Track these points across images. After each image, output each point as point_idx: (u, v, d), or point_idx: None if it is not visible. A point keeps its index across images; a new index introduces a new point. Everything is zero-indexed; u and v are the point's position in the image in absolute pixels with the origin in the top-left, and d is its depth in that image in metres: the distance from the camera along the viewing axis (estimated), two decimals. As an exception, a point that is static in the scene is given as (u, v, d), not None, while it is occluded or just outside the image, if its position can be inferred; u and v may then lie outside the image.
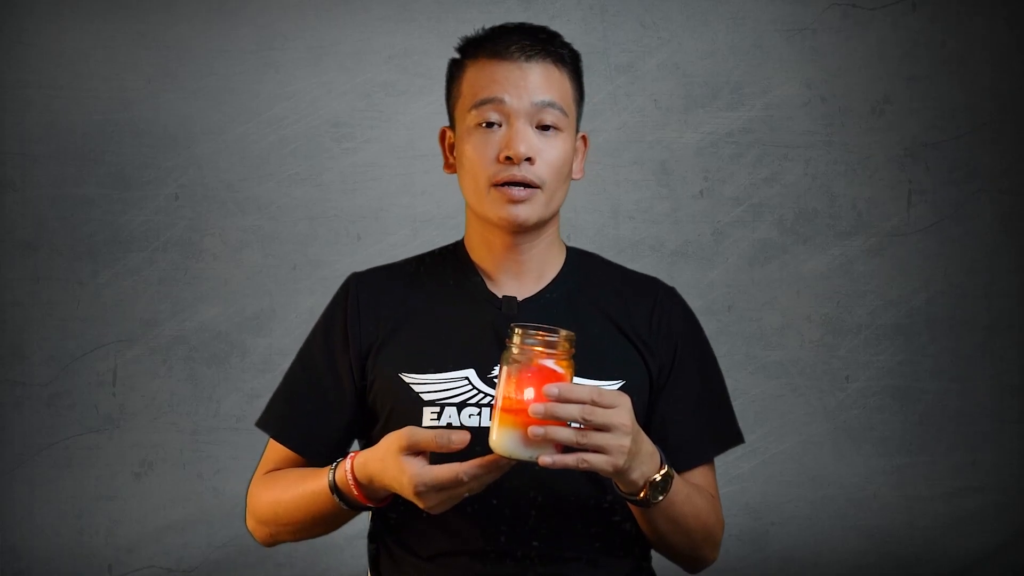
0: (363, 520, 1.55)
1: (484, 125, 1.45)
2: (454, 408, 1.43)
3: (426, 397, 1.44)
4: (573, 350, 1.25)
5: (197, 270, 2.70)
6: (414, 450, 1.27)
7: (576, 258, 1.57)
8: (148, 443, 2.69)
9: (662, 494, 1.33)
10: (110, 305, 2.68)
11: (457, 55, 1.52)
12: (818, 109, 2.81)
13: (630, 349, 1.50)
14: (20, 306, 2.66)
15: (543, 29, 1.50)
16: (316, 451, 1.49)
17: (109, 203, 2.67)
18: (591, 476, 1.40)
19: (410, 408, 1.44)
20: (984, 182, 2.84)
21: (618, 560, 1.48)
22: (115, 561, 2.67)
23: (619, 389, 1.38)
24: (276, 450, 1.52)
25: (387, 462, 1.29)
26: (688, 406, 1.51)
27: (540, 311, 1.48)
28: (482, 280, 1.52)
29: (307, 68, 2.72)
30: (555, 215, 1.51)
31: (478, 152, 1.45)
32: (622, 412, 1.23)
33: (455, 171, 1.52)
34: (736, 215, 2.81)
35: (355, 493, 1.35)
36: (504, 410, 1.23)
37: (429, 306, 1.51)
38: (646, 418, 1.49)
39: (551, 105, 1.45)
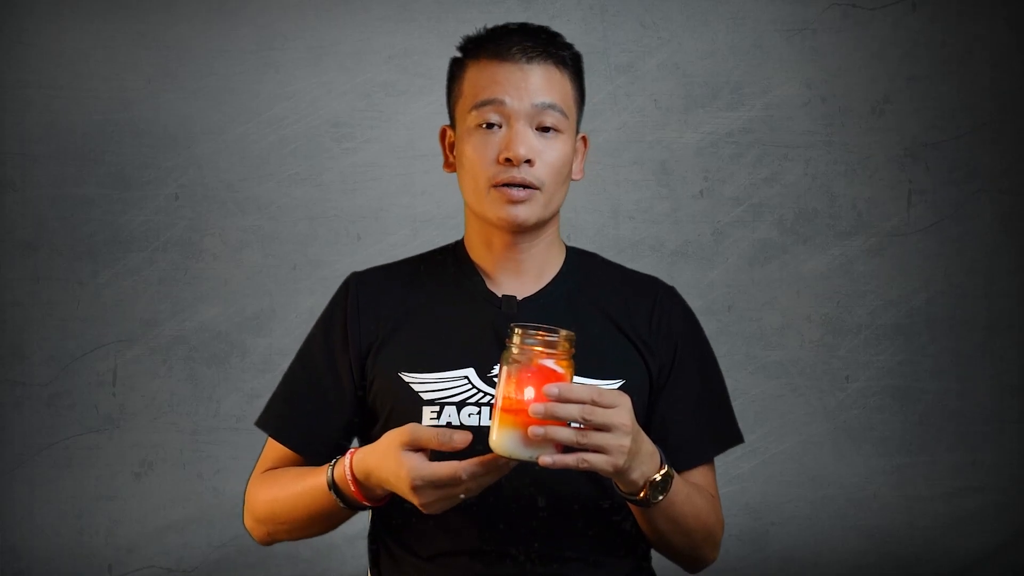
0: (363, 520, 1.55)
1: (484, 126, 1.45)
2: (454, 407, 1.43)
3: (426, 396, 1.44)
4: (573, 350, 1.25)
5: (197, 270, 2.70)
6: (415, 446, 1.27)
7: (576, 258, 1.57)
8: (148, 443, 2.69)
9: (662, 494, 1.33)
10: (110, 305, 2.68)
11: (458, 54, 1.52)
12: (818, 109, 2.81)
13: (630, 349, 1.50)
14: (20, 306, 2.66)
15: (544, 30, 1.50)
16: (316, 451, 1.49)
17: (109, 203, 2.67)
18: (591, 476, 1.40)
19: (410, 407, 1.44)
20: (984, 182, 2.84)
21: (618, 560, 1.48)
22: (115, 561, 2.67)
23: (619, 389, 1.39)
24: (275, 449, 1.52)
25: (387, 457, 1.29)
26: (688, 406, 1.51)
27: (540, 310, 1.48)
28: (482, 279, 1.52)
29: (307, 68, 2.72)
30: (555, 215, 1.51)
31: (478, 153, 1.45)
32: (622, 412, 1.23)
33: (455, 170, 1.52)
34: (736, 215, 2.81)
35: (352, 489, 1.35)
36: (504, 410, 1.23)
37: (429, 305, 1.51)
38: (646, 418, 1.49)
39: (551, 107, 1.45)
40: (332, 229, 2.73)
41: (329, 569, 2.69)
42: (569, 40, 1.52)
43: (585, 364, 1.31)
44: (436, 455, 1.28)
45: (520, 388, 1.23)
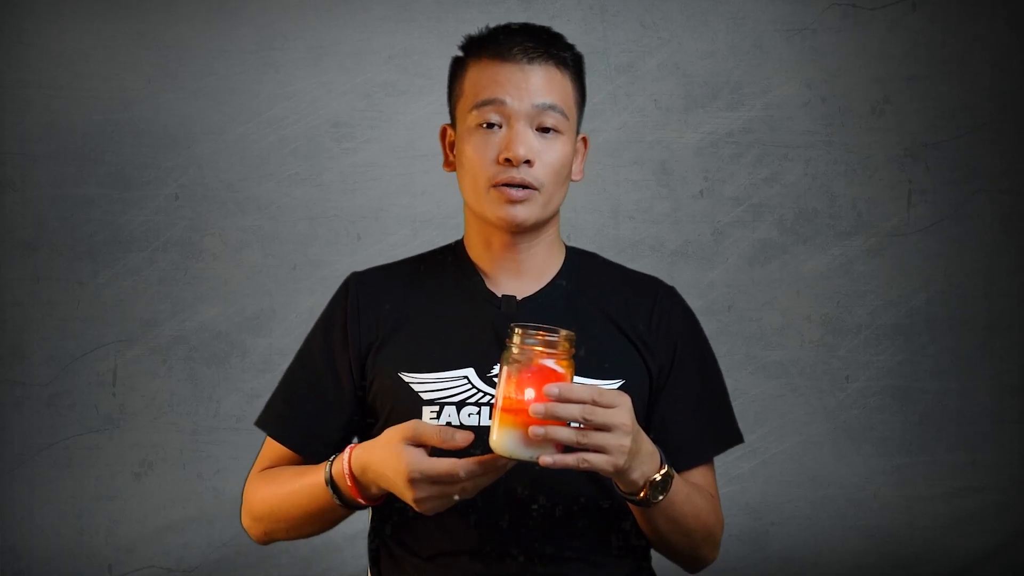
0: (363, 520, 1.55)
1: (485, 126, 1.45)
2: (453, 407, 1.43)
3: (426, 396, 1.44)
4: (573, 350, 1.25)
5: (197, 270, 2.70)
6: (417, 442, 1.27)
7: (576, 258, 1.57)
8: (148, 443, 2.69)
9: (662, 494, 1.33)
10: (110, 305, 2.68)
11: (460, 53, 1.52)
12: (818, 109, 2.82)
13: (630, 349, 1.50)
14: (20, 306, 2.66)
15: (546, 30, 1.50)
16: (315, 451, 1.49)
17: (109, 203, 2.67)
18: (591, 476, 1.40)
19: (410, 407, 1.44)
20: (984, 182, 2.84)
21: (618, 560, 1.48)
22: (115, 561, 2.67)
23: (618, 389, 1.39)
24: (273, 448, 1.52)
25: (387, 450, 1.29)
26: (688, 406, 1.51)
27: (539, 310, 1.48)
28: (481, 279, 1.52)
29: (307, 68, 2.72)
30: (554, 215, 1.51)
31: (478, 153, 1.45)
32: (622, 412, 1.23)
33: (454, 169, 1.52)
34: (736, 215, 2.81)
35: (348, 484, 1.35)
36: (504, 410, 1.23)
37: (429, 305, 1.51)
38: (646, 418, 1.49)
39: (552, 108, 1.45)
40: (332, 229, 2.73)
41: (329, 569, 2.69)
42: (569, 40, 1.52)
43: (585, 364, 1.31)
44: (436, 453, 1.28)
45: (520, 388, 1.23)
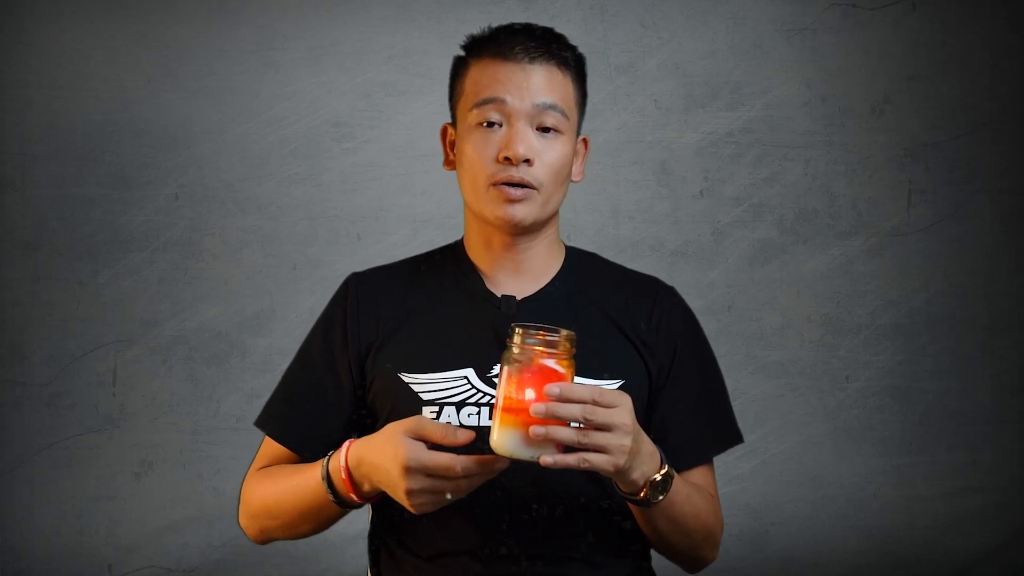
0: (363, 520, 1.55)
1: (485, 124, 1.45)
2: (453, 408, 1.43)
3: (425, 396, 1.44)
4: (574, 350, 1.25)
5: (197, 270, 2.70)
6: (419, 436, 1.27)
7: (575, 258, 1.57)
8: (148, 443, 2.69)
9: (662, 494, 1.33)
10: (110, 305, 2.68)
11: (462, 53, 1.52)
12: (818, 109, 2.82)
13: (629, 349, 1.50)
14: (20, 306, 2.66)
15: (549, 31, 1.50)
16: (314, 451, 1.48)
17: (109, 203, 2.67)
18: (591, 476, 1.40)
19: (409, 408, 1.43)
20: (984, 182, 2.84)
21: (618, 560, 1.48)
22: (115, 561, 2.67)
23: (618, 389, 1.39)
24: (272, 448, 1.52)
25: (387, 442, 1.29)
26: (688, 406, 1.51)
27: (539, 310, 1.48)
28: (481, 279, 1.52)
29: (307, 68, 2.72)
30: (554, 216, 1.51)
31: (477, 151, 1.45)
32: (623, 412, 1.23)
33: (454, 168, 1.52)
34: (736, 215, 2.81)
35: (342, 477, 1.34)
36: (505, 410, 1.23)
37: (428, 306, 1.51)
38: (645, 418, 1.49)
39: (552, 107, 1.45)
40: (332, 229, 2.73)
41: (329, 569, 2.69)
42: (570, 40, 1.52)
43: (585, 364, 1.31)
44: (435, 449, 1.28)
45: (521, 388, 1.23)
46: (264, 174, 2.71)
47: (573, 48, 1.51)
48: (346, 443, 1.36)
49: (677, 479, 1.36)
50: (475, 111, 1.45)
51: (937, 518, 2.82)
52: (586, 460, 1.22)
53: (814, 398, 2.82)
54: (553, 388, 1.21)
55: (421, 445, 1.27)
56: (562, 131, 1.46)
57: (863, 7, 2.82)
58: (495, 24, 1.52)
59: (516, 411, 1.22)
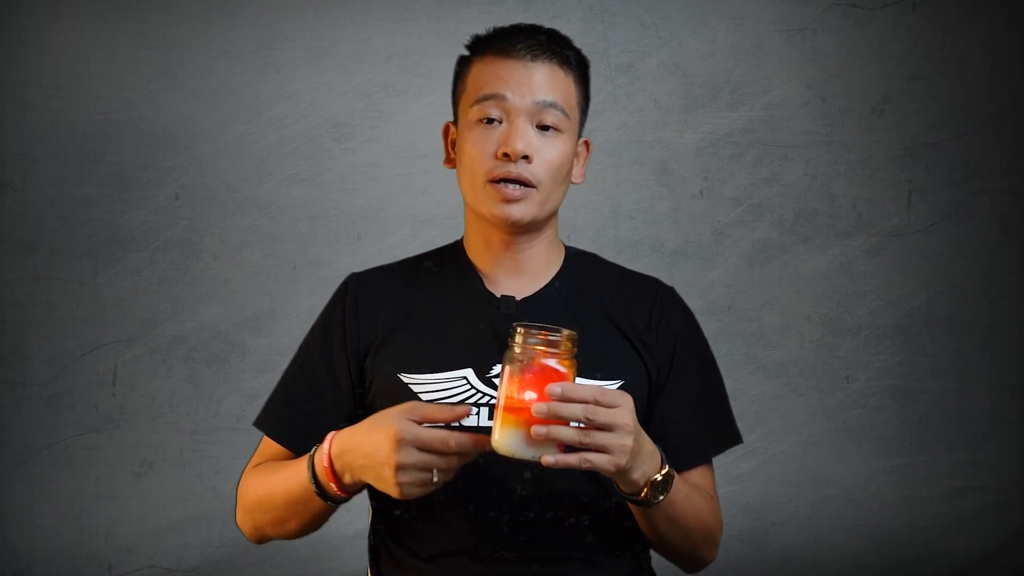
0: (363, 520, 1.55)
1: (485, 121, 1.45)
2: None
3: (425, 397, 1.44)
4: (575, 349, 1.26)
5: (197, 270, 2.70)
6: (417, 417, 1.27)
7: (575, 258, 1.57)
8: (148, 443, 2.69)
9: (663, 494, 1.33)
10: (110, 305, 2.68)
11: (466, 52, 1.52)
12: (818, 109, 2.82)
13: (629, 349, 1.49)
14: (20, 306, 2.66)
15: (553, 31, 1.50)
16: (313, 451, 1.49)
17: (109, 203, 2.67)
18: (591, 476, 1.40)
19: (409, 408, 1.44)
20: (984, 182, 2.84)
21: (618, 560, 1.48)
22: (115, 561, 2.67)
23: (618, 389, 1.39)
24: (271, 448, 1.52)
25: (376, 422, 1.29)
26: (687, 406, 1.51)
27: (539, 311, 1.48)
28: (480, 280, 1.52)
29: (307, 68, 2.72)
30: (552, 215, 1.51)
31: (476, 147, 1.45)
32: (624, 412, 1.23)
33: (455, 166, 1.52)
34: (736, 215, 2.81)
35: (324, 465, 1.33)
36: (507, 409, 1.23)
37: (428, 306, 1.51)
38: (645, 418, 1.49)
39: (553, 106, 1.45)
40: (332, 229, 2.73)
41: (329, 569, 2.69)
42: (573, 43, 1.52)
43: (584, 364, 1.31)
44: None
45: (522, 388, 1.23)
46: (264, 174, 2.71)
47: (577, 50, 1.51)
48: (330, 434, 1.35)
49: (677, 479, 1.36)
50: (476, 107, 1.45)
51: (937, 518, 2.82)
52: (587, 460, 1.22)
53: (814, 398, 2.82)
54: (555, 388, 1.21)
55: (414, 422, 1.27)
56: (562, 130, 1.46)
57: (863, 7, 2.82)
58: (496, 24, 1.52)
59: (518, 411, 1.22)
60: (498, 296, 1.50)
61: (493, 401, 1.41)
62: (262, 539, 1.52)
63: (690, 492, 1.41)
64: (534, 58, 1.45)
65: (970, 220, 2.84)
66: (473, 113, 1.46)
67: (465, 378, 1.44)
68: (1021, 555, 2.82)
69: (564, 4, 2.76)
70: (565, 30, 1.53)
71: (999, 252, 2.85)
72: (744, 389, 2.76)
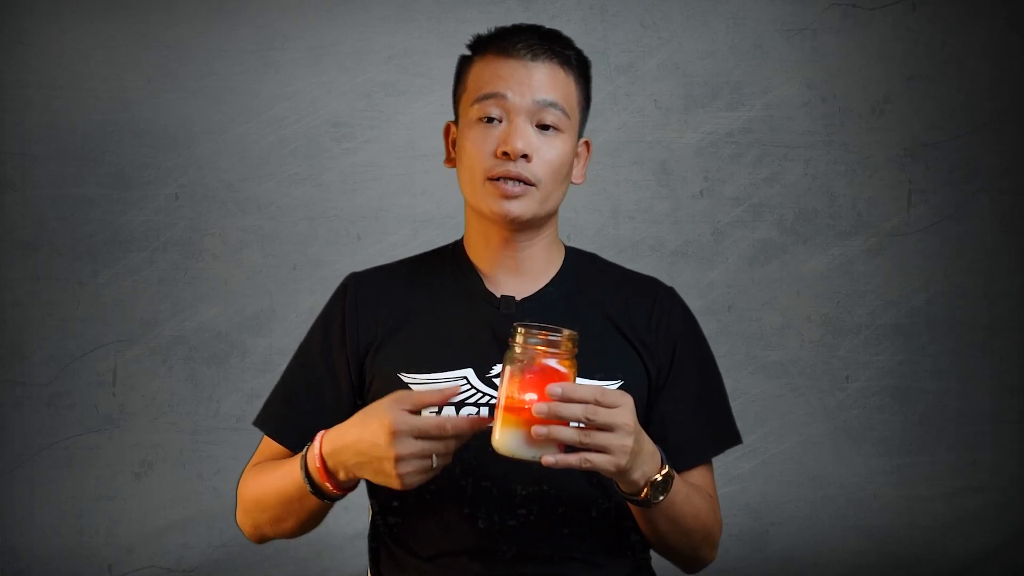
0: (363, 520, 1.55)
1: (485, 120, 1.45)
2: (452, 408, 1.43)
3: (425, 397, 1.44)
4: (576, 349, 1.26)
5: (197, 270, 2.70)
6: (407, 405, 1.27)
7: (575, 258, 1.57)
8: (148, 443, 2.69)
9: (663, 494, 1.33)
10: (110, 305, 2.68)
11: (468, 52, 1.52)
12: (818, 109, 2.82)
13: (629, 349, 1.49)
14: (20, 306, 2.66)
15: (555, 32, 1.50)
16: (313, 450, 1.49)
17: (109, 203, 2.67)
18: (591, 476, 1.40)
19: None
20: (984, 182, 2.84)
21: (618, 560, 1.48)
22: (115, 561, 2.67)
23: (618, 389, 1.39)
24: (271, 448, 1.52)
25: (366, 417, 1.28)
26: (687, 406, 1.51)
27: (539, 311, 1.48)
28: (480, 279, 1.52)
29: (307, 68, 2.72)
30: (552, 215, 1.51)
31: (476, 146, 1.45)
32: (625, 412, 1.23)
33: (455, 165, 1.52)
34: (736, 215, 2.81)
35: (317, 466, 1.32)
36: (507, 409, 1.23)
37: (428, 306, 1.51)
38: (645, 418, 1.49)
39: (553, 105, 1.45)
40: (332, 229, 2.73)
41: (329, 569, 2.69)
42: (575, 44, 1.52)
43: (584, 364, 1.31)
44: None
45: (523, 388, 1.23)
46: (264, 174, 2.71)
47: (578, 50, 1.51)
48: (318, 435, 1.35)
49: (677, 480, 1.36)
50: (476, 106, 1.46)
51: (937, 518, 2.82)
52: (588, 460, 1.22)
53: (814, 398, 2.82)
54: (555, 388, 1.21)
55: (405, 411, 1.26)
56: (562, 129, 1.46)
57: (863, 7, 2.82)
58: (496, 24, 1.52)
59: (518, 411, 1.22)
60: (498, 296, 1.50)
61: (493, 401, 1.41)
62: (262, 538, 1.52)
63: (690, 492, 1.41)
64: (534, 57, 1.45)
65: (970, 220, 2.84)
66: (473, 112, 1.46)
67: (465, 378, 1.44)
68: (1021, 555, 2.82)
69: (564, 4, 2.76)
70: (565, 30, 1.54)
71: (999, 252, 2.85)
72: (744, 389, 2.76)
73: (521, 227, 1.48)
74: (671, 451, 1.42)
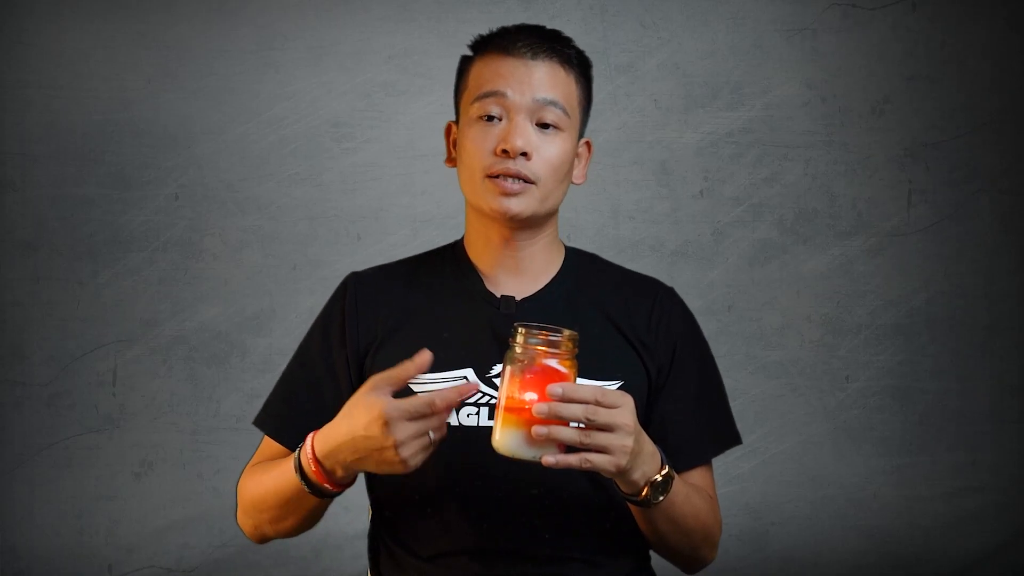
0: (363, 520, 1.55)
1: (485, 118, 1.45)
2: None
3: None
4: (576, 350, 1.25)
5: (197, 270, 2.70)
6: (384, 387, 1.25)
7: (575, 258, 1.57)
8: (148, 443, 2.69)
9: (663, 494, 1.33)
10: (110, 305, 2.68)
11: (468, 52, 1.52)
12: (818, 109, 2.82)
13: (629, 349, 1.49)
14: (20, 306, 2.66)
15: (556, 31, 1.50)
16: (312, 450, 1.48)
17: (109, 203, 2.67)
18: (592, 476, 1.40)
19: (408, 408, 1.43)
20: (984, 182, 2.84)
21: (618, 560, 1.48)
22: (115, 561, 2.67)
23: (618, 389, 1.39)
24: (270, 447, 1.51)
25: (352, 413, 1.27)
26: (687, 406, 1.51)
27: (539, 311, 1.48)
28: (480, 279, 1.52)
29: (307, 68, 2.72)
30: (552, 214, 1.51)
31: (476, 144, 1.45)
32: (625, 412, 1.23)
33: (455, 164, 1.52)
34: (736, 215, 2.81)
35: (313, 469, 1.32)
36: (507, 409, 1.23)
37: (428, 306, 1.51)
38: (645, 418, 1.48)
39: (553, 104, 1.45)
40: (332, 229, 2.73)
41: (329, 569, 2.69)
42: (576, 43, 1.52)
43: (584, 364, 1.31)
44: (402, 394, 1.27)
45: (523, 388, 1.23)
46: (264, 174, 2.71)
47: (579, 49, 1.51)
48: (308, 437, 1.34)
49: (677, 480, 1.36)
50: (476, 104, 1.46)
51: (937, 518, 2.82)
52: (588, 460, 1.22)
53: (814, 398, 2.82)
54: (556, 388, 1.21)
55: (390, 397, 1.25)
56: (562, 128, 1.46)
57: (863, 7, 2.82)
58: (496, 24, 1.52)
59: (518, 411, 1.22)
60: (498, 296, 1.50)
61: (493, 401, 1.41)
62: (262, 538, 1.52)
63: (690, 492, 1.41)
64: (535, 56, 1.45)
65: (970, 220, 2.84)
66: (473, 110, 1.46)
67: (465, 378, 1.44)
68: (1021, 555, 2.82)
69: (564, 4, 2.76)
70: (565, 30, 1.54)
71: (999, 252, 2.85)
72: (744, 389, 2.76)
73: (521, 226, 1.48)
74: (671, 451, 1.42)
